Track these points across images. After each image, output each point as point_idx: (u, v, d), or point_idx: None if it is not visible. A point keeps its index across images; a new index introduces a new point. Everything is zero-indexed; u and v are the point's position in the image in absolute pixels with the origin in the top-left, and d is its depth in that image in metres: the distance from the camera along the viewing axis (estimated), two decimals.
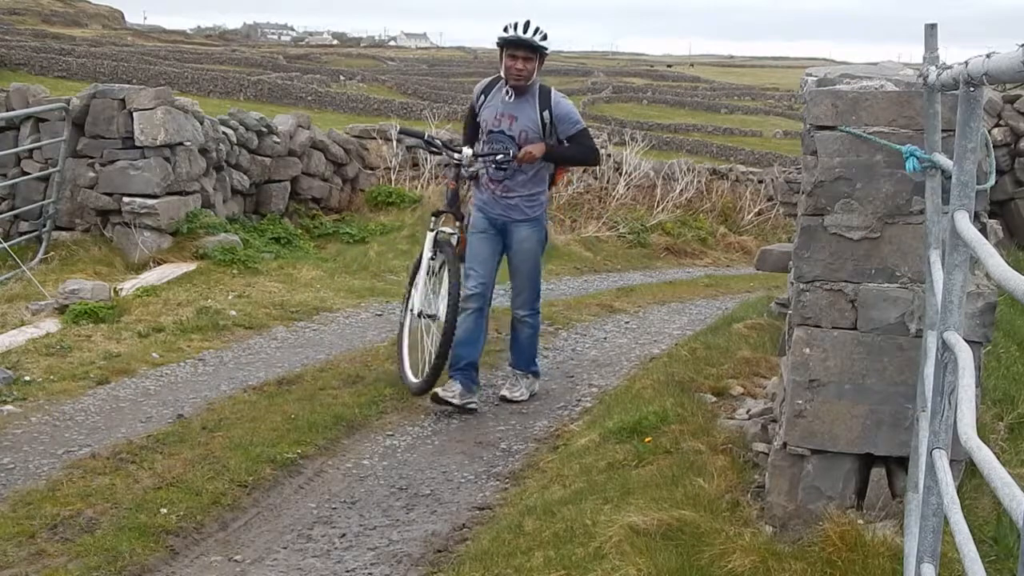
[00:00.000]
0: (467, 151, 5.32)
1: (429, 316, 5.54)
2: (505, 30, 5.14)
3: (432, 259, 5.53)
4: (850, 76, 3.26)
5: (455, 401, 5.17)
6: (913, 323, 3.08)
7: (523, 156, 5.19)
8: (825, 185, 3.12)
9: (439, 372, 5.33)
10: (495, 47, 5.26)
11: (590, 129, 6.04)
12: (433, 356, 5.33)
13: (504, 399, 5.48)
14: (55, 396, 5.32)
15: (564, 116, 5.28)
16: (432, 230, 5.58)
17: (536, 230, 5.44)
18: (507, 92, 5.28)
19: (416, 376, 5.51)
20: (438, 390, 5.21)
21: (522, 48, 5.12)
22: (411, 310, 5.62)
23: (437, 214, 5.64)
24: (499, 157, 5.19)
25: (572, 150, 5.38)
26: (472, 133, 5.58)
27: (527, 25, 5.10)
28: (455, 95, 45.42)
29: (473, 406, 5.24)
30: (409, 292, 5.76)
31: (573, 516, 3.60)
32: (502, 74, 5.23)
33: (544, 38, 5.15)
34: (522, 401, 5.47)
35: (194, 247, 8.45)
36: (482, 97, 5.43)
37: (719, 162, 23.80)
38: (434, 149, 5.66)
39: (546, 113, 5.24)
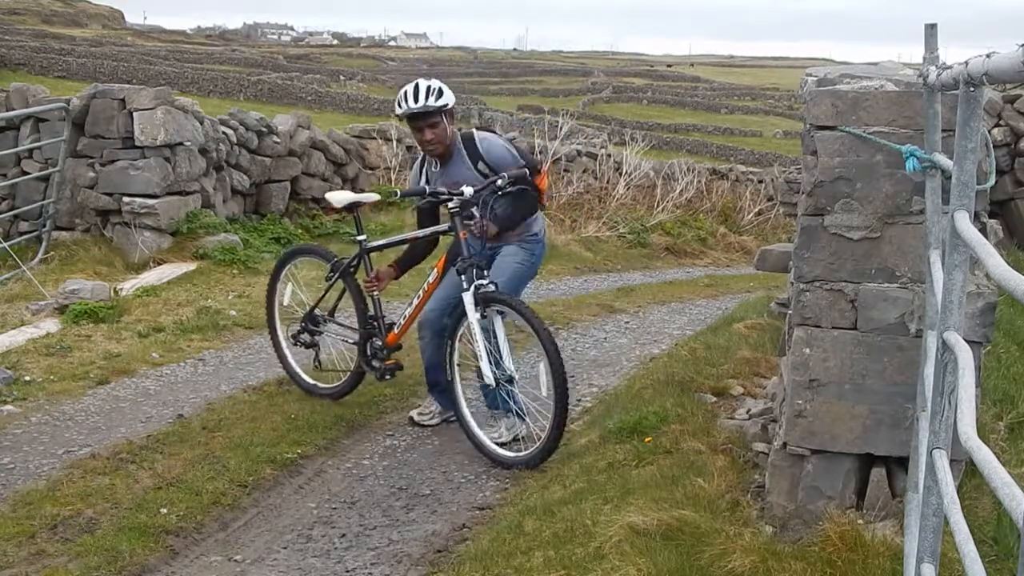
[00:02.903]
0: (468, 189, 4.66)
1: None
2: (399, 105, 4.75)
3: (483, 318, 4.55)
4: (850, 76, 3.26)
5: (434, 422, 5.09)
6: (913, 323, 3.08)
7: (488, 232, 4.67)
8: (825, 185, 3.12)
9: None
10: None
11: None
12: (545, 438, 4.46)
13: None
14: (55, 396, 5.32)
15: (499, 160, 4.79)
16: (467, 285, 4.60)
17: (525, 250, 4.89)
18: (434, 163, 4.89)
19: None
20: (413, 414, 5.14)
21: (420, 118, 4.70)
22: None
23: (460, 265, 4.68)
24: (500, 182, 4.64)
25: (518, 210, 4.81)
26: (428, 217, 5.05)
27: (416, 90, 4.70)
28: (455, 95, 45.46)
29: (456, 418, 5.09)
30: (272, 312, 5.60)
31: (573, 516, 3.60)
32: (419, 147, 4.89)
33: (440, 95, 4.71)
34: (502, 444, 4.71)
35: (194, 247, 8.45)
36: (427, 168, 4.96)
37: (719, 162, 23.84)
38: (443, 197, 4.75)
39: (480, 164, 4.80)
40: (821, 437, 3.19)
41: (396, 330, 5.13)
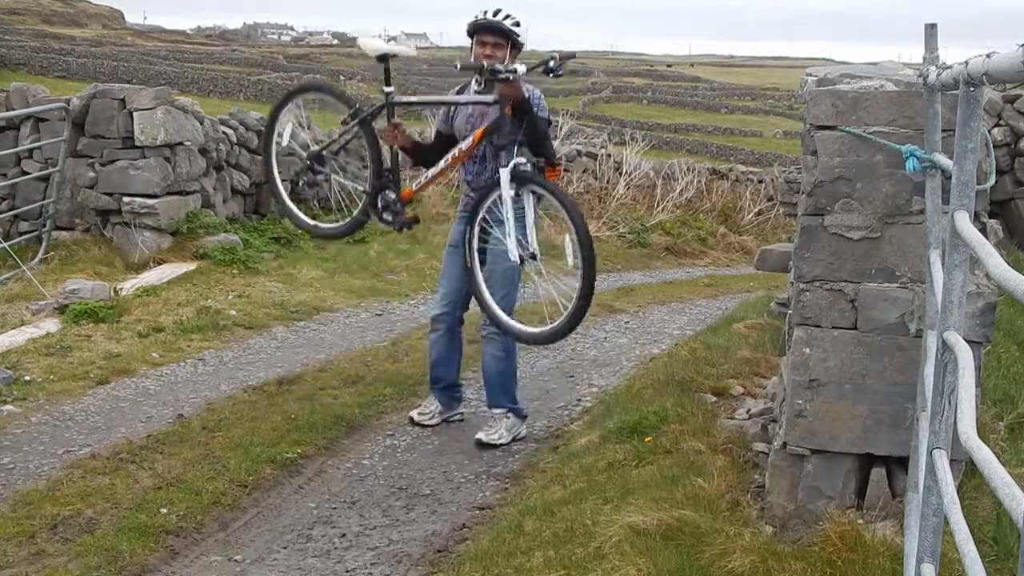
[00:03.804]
0: (521, 67, 4.43)
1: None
2: (475, 16, 4.69)
3: (517, 196, 4.40)
4: (850, 76, 3.26)
5: (434, 422, 5.10)
6: (913, 323, 3.08)
7: (512, 91, 4.43)
8: (825, 185, 3.12)
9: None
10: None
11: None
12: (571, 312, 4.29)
13: (480, 443, 4.84)
14: (55, 396, 5.32)
15: (537, 105, 4.66)
16: (505, 166, 4.39)
17: None
18: (477, 81, 4.72)
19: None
20: (413, 414, 5.15)
21: (490, 33, 4.62)
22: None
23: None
24: (551, 63, 4.38)
25: (538, 128, 4.62)
26: (438, 149, 4.92)
27: (497, 12, 4.66)
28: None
29: (459, 417, 5.19)
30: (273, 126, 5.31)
31: (573, 516, 3.60)
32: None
33: (516, 24, 4.64)
34: (501, 445, 4.85)
35: (194, 247, 8.45)
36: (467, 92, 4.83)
37: (719, 162, 23.82)
38: (500, 76, 4.41)
39: None
40: (821, 437, 3.19)
41: (414, 187, 4.93)
